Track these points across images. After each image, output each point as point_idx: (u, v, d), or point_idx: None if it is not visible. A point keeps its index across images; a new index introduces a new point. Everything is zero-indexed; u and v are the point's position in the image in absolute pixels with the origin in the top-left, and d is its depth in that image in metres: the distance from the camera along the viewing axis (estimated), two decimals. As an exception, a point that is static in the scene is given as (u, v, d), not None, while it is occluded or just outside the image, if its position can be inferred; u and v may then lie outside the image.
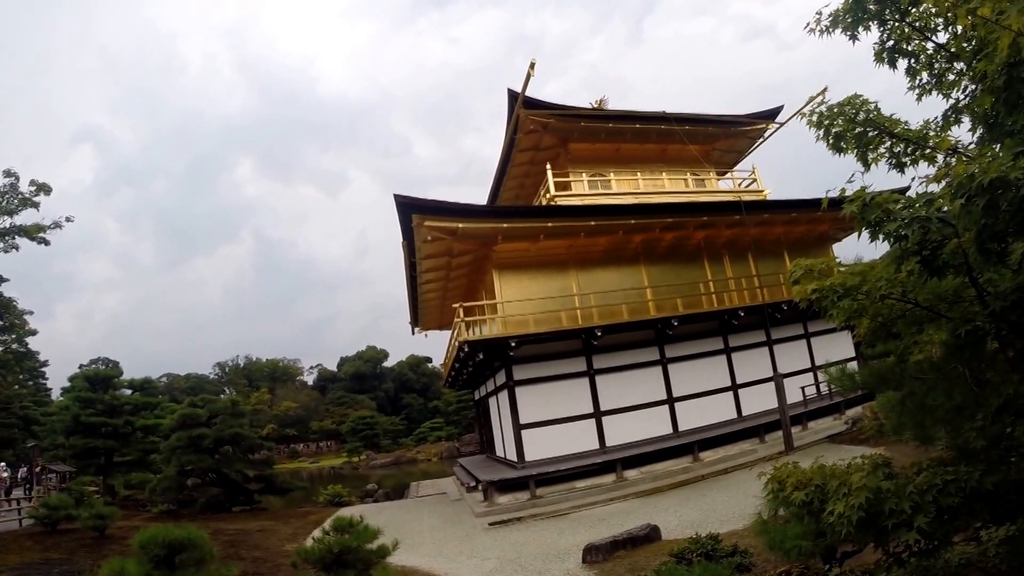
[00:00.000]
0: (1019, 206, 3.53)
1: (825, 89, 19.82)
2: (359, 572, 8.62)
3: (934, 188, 4.28)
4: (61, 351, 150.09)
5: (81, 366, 68.53)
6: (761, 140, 29.68)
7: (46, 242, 23.71)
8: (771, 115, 28.76)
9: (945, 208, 4.04)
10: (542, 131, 25.17)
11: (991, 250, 4.03)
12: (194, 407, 27.77)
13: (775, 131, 28.82)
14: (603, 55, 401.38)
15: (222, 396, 55.47)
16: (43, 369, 58.83)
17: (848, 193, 4.49)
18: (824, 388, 23.26)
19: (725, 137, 28.95)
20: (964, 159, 4.27)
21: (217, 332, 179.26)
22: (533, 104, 24.08)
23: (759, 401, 22.91)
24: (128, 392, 34.04)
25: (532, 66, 21.54)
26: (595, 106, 27.96)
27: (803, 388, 23.04)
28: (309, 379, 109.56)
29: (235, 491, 26.63)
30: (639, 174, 26.47)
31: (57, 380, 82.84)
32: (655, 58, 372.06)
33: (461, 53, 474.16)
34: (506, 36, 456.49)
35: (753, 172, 28.69)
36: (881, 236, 4.23)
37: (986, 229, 3.81)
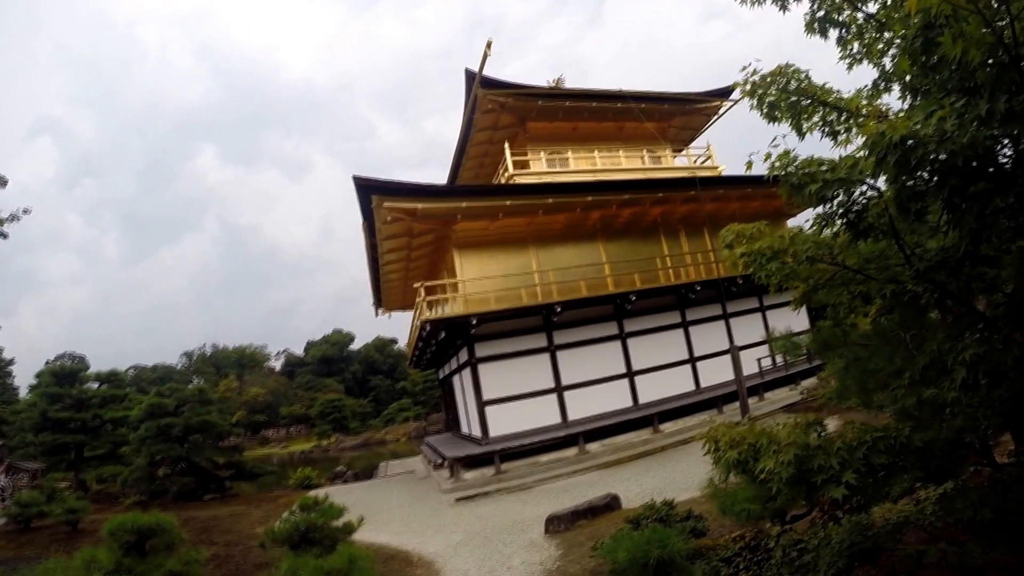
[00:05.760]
0: (932, 163, 3.71)
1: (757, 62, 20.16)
2: (325, 549, 8.75)
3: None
4: (27, 348, 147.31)
5: (48, 362, 67.47)
6: (716, 117, 30.00)
7: (3, 235, 22.99)
8: (725, 93, 29.00)
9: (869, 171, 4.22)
10: (500, 110, 25.12)
11: (910, 209, 4.20)
12: (161, 396, 27.54)
13: (729, 108, 29.15)
14: (563, 37, 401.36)
15: (190, 385, 54.92)
16: (10, 368, 57.98)
17: (774, 158, 4.64)
18: (780, 360, 23.76)
19: (681, 114, 29.15)
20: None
21: (184, 322, 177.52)
22: (491, 84, 24.01)
23: (717, 373, 23.37)
24: (95, 385, 33.50)
25: (488, 46, 21.53)
26: (552, 85, 28.02)
27: (759, 360, 23.50)
28: (277, 364, 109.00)
29: (206, 479, 26.60)
30: (596, 152, 26.61)
31: (24, 378, 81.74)
32: (615, 39, 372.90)
33: (422, 36, 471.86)
34: (467, 19, 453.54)
35: (708, 149, 29.06)
36: (804, 197, 4.39)
37: (904, 188, 3.99)
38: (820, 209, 4.56)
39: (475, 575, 10.71)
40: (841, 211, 4.45)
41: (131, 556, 8.56)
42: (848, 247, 5.01)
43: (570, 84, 28.64)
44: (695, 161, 29.12)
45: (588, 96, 26.26)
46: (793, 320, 23.93)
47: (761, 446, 5.05)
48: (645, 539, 6.85)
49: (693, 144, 31.22)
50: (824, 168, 4.28)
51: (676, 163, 29.45)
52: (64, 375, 31.64)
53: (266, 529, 9.63)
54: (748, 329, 24.84)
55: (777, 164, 4.53)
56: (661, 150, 28.40)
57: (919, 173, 3.84)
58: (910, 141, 3.64)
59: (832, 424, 6.11)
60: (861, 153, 4.18)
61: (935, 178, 3.88)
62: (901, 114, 5.60)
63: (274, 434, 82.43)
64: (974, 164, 3.78)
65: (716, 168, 28.04)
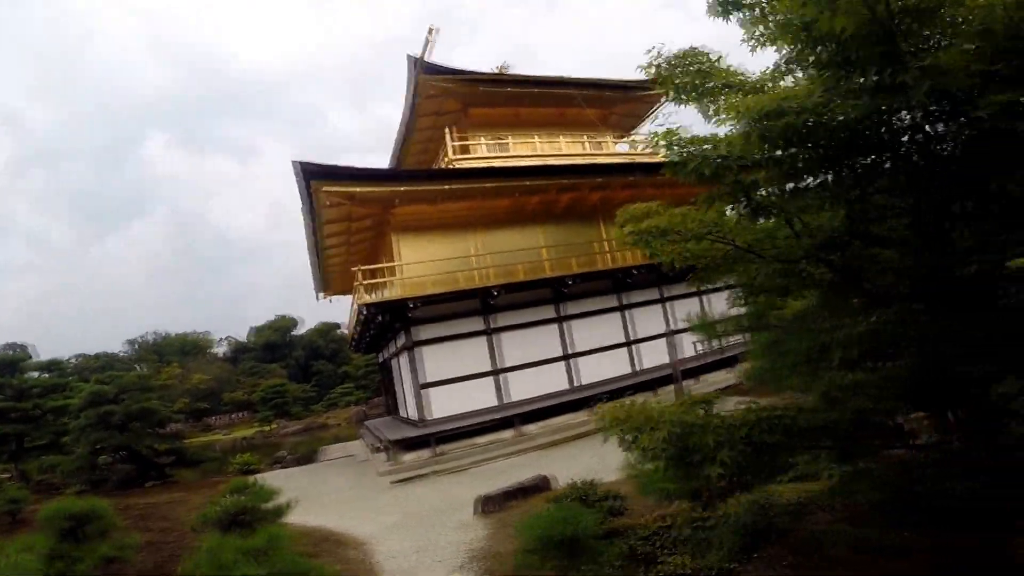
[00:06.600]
0: (803, 136, 3.78)
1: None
2: (254, 531, 8.74)
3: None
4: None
5: (-10, 352, 65.22)
6: (658, 105, 30.21)
7: None
8: (669, 81, 29.19)
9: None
10: (443, 96, 24.96)
11: (795, 189, 4.31)
12: (102, 384, 26.91)
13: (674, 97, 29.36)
14: (515, 24, 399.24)
15: (130, 372, 53.67)
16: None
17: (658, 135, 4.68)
18: (718, 342, 24.08)
19: (624, 102, 29.26)
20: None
21: (132, 310, 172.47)
22: (433, 70, 23.81)
23: (654, 356, 23.76)
24: (36, 375, 32.70)
25: (431, 31, 21.53)
26: (497, 72, 27.94)
27: (695, 343, 23.81)
28: (221, 351, 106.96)
29: (147, 466, 26.11)
30: (537, 138, 26.67)
31: (-33, 370, 78.43)
32: (567, 27, 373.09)
33: (374, 22, 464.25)
34: (417, 3, 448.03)
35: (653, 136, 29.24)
36: (687, 174, 4.45)
37: (780, 162, 4.07)
38: (712, 189, 4.62)
39: (406, 555, 10.77)
40: (728, 190, 4.53)
41: (67, 542, 8.59)
42: (738, 225, 5.07)
43: (521, 72, 28.62)
44: (638, 148, 29.33)
45: (530, 82, 26.27)
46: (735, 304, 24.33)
47: (641, 424, 5.04)
48: (559, 518, 6.95)
49: (638, 130, 31.53)
50: (707, 146, 4.34)
51: (618, 149, 29.63)
52: (5, 365, 30.91)
53: (198, 514, 9.62)
54: (685, 312, 25.13)
55: (662, 142, 4.59)
56: (603, 137, 28.53)
57: (790, 148, 3.92)
58: (788, 117, 3.70)
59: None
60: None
61: (807, 153, 3.98)
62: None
63: (217, 421, 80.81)
64: (851, 138, 3.87)
65: (658, 155, 28.26)
